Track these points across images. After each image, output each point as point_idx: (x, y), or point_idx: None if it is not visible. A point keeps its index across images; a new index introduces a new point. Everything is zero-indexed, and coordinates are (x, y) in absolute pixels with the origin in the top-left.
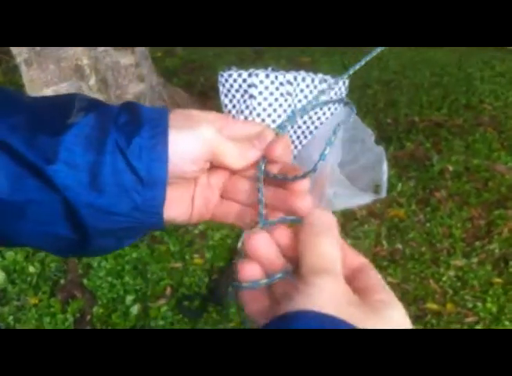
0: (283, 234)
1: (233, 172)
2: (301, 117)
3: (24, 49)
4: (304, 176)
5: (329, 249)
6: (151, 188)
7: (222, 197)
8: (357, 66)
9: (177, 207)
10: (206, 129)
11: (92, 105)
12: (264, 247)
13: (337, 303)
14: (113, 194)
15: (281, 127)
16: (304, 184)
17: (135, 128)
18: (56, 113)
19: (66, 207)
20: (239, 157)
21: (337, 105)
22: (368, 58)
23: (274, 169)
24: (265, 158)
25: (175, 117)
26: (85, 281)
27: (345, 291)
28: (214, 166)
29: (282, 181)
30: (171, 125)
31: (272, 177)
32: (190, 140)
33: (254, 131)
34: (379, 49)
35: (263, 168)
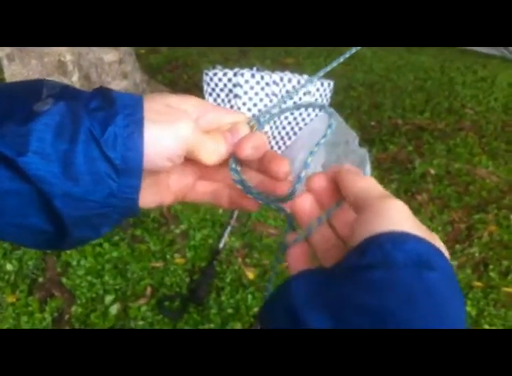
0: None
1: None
2: (288, 116)
3: None
4: (284, 200)
5: (375, 182)
6: (127, 176)
7: (199, 178)
8: (334, 64)
9: (151, 193)
10: (184, 125)
11: (63, 91)
12: (309, 208)
13: (411, 221)
14: (88, 182)
15: (258, 119)
16: (284, 169)
17: (109, 114)
18: (24, 101)
19: (40, 198)
20: (212, 153)
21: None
22: (344, 57)
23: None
24: (234, 159)
25: (152, 107)
26: (64, 280)
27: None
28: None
29: (261, 168)
30: (148, 118)
31: (252, 193)
32: (167, 138)
33: (229, 121)
34: (354, 50)
35: (234, 166)
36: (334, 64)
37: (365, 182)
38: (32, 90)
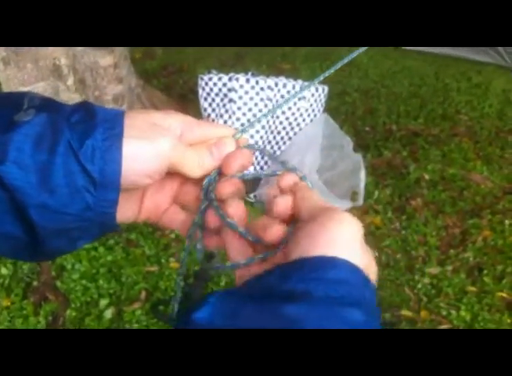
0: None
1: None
2: (283, 121)
3: (1, 47)
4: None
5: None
6: (104, 189)
7: (174, 201)
8: (332, 70)
9: (126, 208)
10: (165, 142)
11: (45, 103)
12: None
13: (349, 240)
14: (64, 195)
15: (244, 131)
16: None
17: (89, 128)
18: (5, 111)
19: (15, 207)
20: (197, 167)
21: (316, 112)
22: (344, 62)
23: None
24: (217, 171)
25: (134, 124)
26: (59, 284)
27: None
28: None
29: None
30: (129, 135)
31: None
32: (147, 155)
33: (215, 135)
34: (355, 54)
35: (214, 177)
36: (332, 70)
37: (316, 198)
38: (13, 101)
